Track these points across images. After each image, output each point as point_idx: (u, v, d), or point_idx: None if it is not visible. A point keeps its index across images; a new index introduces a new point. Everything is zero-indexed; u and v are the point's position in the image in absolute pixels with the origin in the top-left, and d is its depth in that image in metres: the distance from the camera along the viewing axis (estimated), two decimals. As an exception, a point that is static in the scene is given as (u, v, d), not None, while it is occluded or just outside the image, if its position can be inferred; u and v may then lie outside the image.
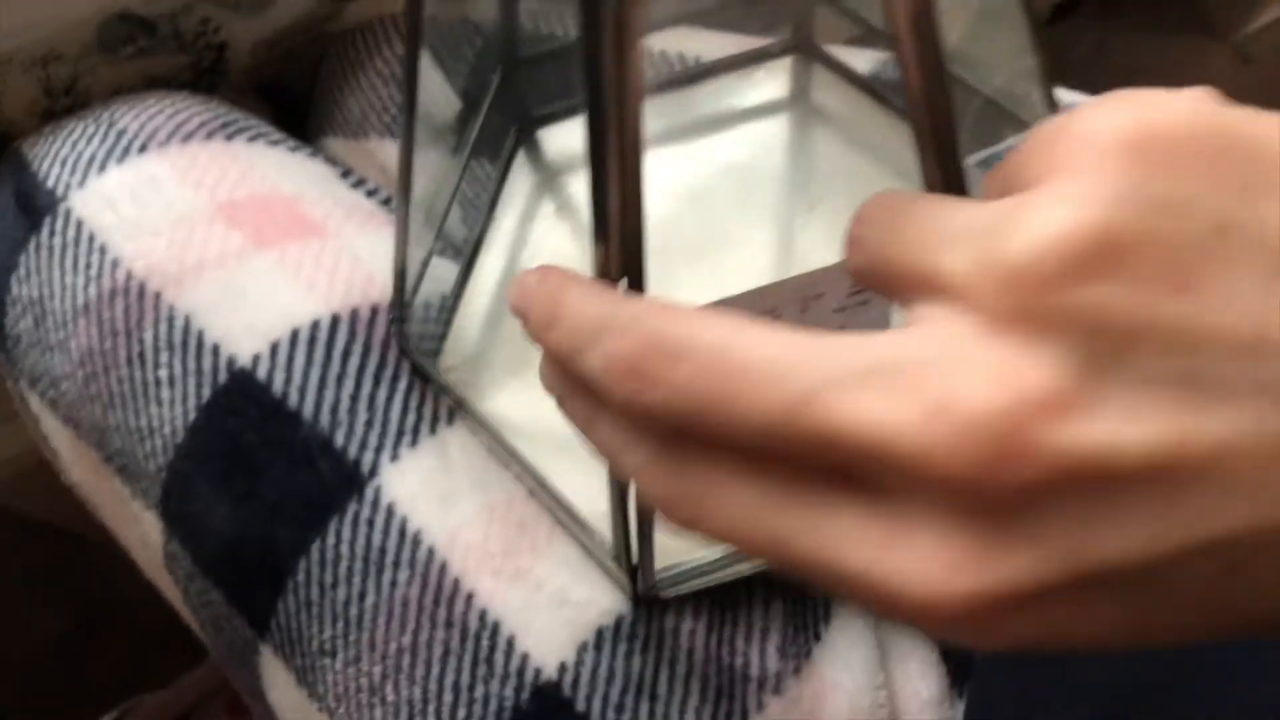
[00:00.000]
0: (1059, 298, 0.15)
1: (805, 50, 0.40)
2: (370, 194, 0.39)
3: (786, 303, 0.24)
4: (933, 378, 0.15)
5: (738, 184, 0.38)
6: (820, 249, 0.37)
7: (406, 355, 0.34)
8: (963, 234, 0.16)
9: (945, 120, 0.22)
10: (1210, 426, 0.15)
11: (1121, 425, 0.15)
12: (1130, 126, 0.16)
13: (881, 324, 0.26)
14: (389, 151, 0.43)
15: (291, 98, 0.53)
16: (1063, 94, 0.38)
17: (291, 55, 0.49)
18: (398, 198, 0.32)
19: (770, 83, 0.40)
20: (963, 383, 0.15)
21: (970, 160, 0.37)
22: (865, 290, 0.24)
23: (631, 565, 0.30)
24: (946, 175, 0.22)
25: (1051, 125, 0.17)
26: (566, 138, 0.40)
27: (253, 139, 0.38)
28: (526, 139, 0.41)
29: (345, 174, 0.40)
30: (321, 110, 0.46)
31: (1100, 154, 0.16)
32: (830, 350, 0.16)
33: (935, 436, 0.15)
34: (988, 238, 0.16)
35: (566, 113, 0.41)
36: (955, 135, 0.22)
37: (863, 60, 0.40)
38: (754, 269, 0.36)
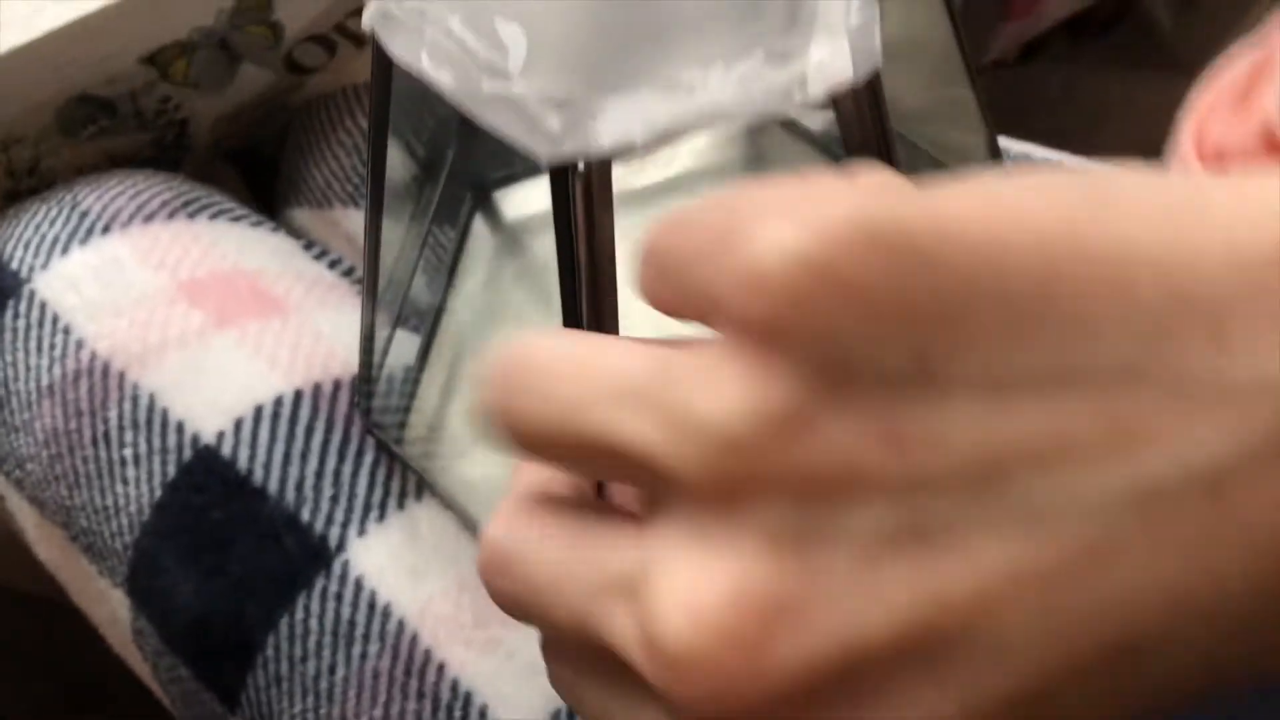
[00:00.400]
0: (755, 474, 0.13)
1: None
2: (333, 265, 0.40)
3: None
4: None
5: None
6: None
7: (371, 432, 0.34)
8: (638, 393, 0.15)
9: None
10: (955, 577, 0.13)
11: (857, 609, 0.13)
12: (801, 258, 0.13)
13: None
14: (354, 220, 0.44)
15: (261, 163, 0.54)
16: (1008, 143, 0.39)
17: (256, 126, 0.49)
18: (365, 274, 0.32)
19: (724, 143, 0.41)
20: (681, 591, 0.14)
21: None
22: None
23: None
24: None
25: (718, 229, 0.14)
26: (523, 199, 0.41)
27: (214, 216, 0.38)
28: (483, 203, 0.41)
29: (308, 246, 0.40)
30: (287, 181, 0.47)
31: (771, 307, 0.14)
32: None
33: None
34: (670, 404, 0.14)
35: (522, 174, 0.41)
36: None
37: (817, 119, 0.41)
38: (710, 333, 0.37)
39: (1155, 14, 0.78)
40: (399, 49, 0.21)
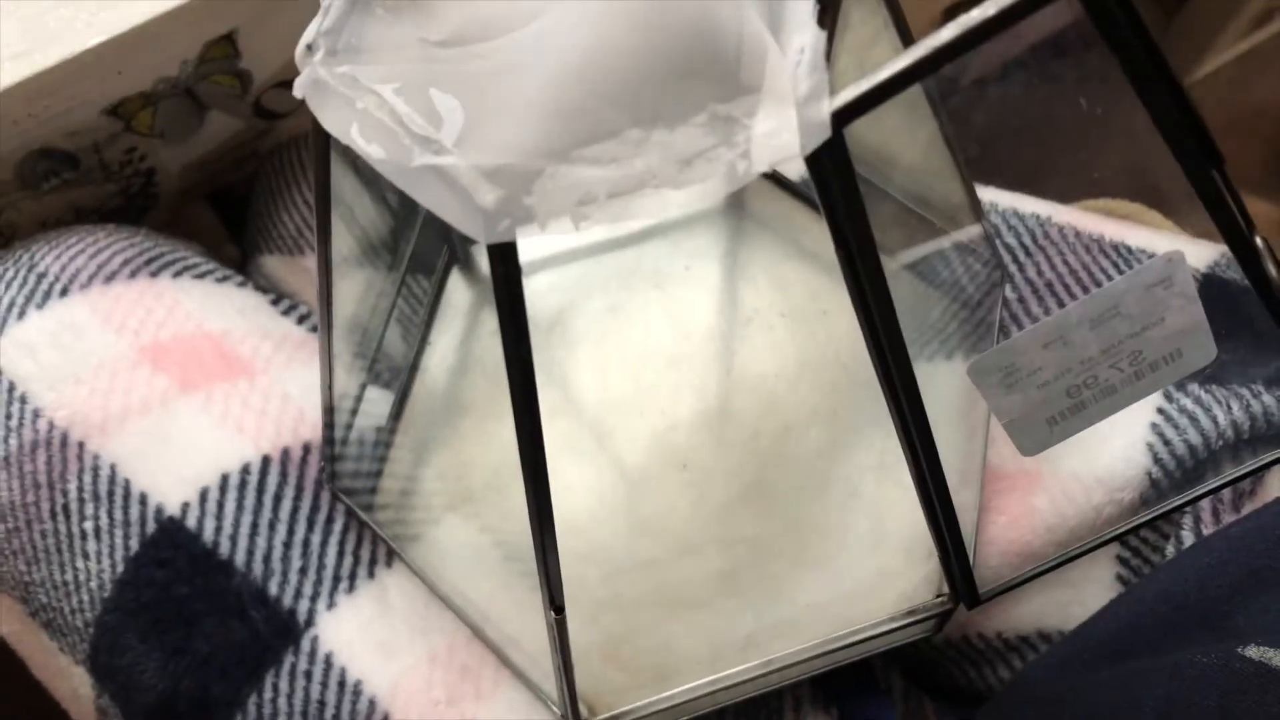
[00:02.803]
0: None
1: (737, 157, 0.40)
2: (302, 320, 0.39)
3: (1075, 325, 0.23)
4: None
5: (674, 297, 0.38)
6: (759, 362, 0.36)
7: (338, 499, 0.33)
8: None
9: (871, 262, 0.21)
10: None
11: None
12: None
13: (1179, 339, 0.24)
14: (325, 267, 0.43)
15: (239, 202, 0.52)
16: (985, 193, 0.38)
17: (225, 172, 0.48)
18: (321, 341, 0.31)
19: (705, 190, 0.40)
20: None
21: (897, 263, 0.37)
22: (1161, 307, 0.23)
23: (576, 711, 0.29)
24: (874, 288, 0.21)
25: None
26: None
27: (178, 273, 0.37)
28: (460, 256, 0.40)
29: (276, 300, 0.39)
30: (257, 227, 0.46)
31: None
32: None
33: None
34: None
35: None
36: (879, 266, 0.22)
37: (794, 165, 0.40)
38: (690, 385, 0.36)
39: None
40: (329, 119, 0.20)
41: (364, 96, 0.20)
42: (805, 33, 0.18)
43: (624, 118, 0.18)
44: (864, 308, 0.21)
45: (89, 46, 0.36)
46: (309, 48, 0.22)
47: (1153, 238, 0.38)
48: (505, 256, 0.19)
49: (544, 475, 0.22)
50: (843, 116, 0.17)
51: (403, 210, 0.40)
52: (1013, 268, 0.37)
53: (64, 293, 0.35)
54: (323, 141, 0.25)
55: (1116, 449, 0.32)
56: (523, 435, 0.21)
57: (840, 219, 0.19)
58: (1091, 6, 0.18)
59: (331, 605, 0.32)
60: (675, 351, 0.37)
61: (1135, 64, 0.20)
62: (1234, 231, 0.25)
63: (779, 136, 0.18)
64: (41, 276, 0.35)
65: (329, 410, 0.32)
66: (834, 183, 0.18)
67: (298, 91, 0.21)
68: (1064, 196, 0.46)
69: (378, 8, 0.22)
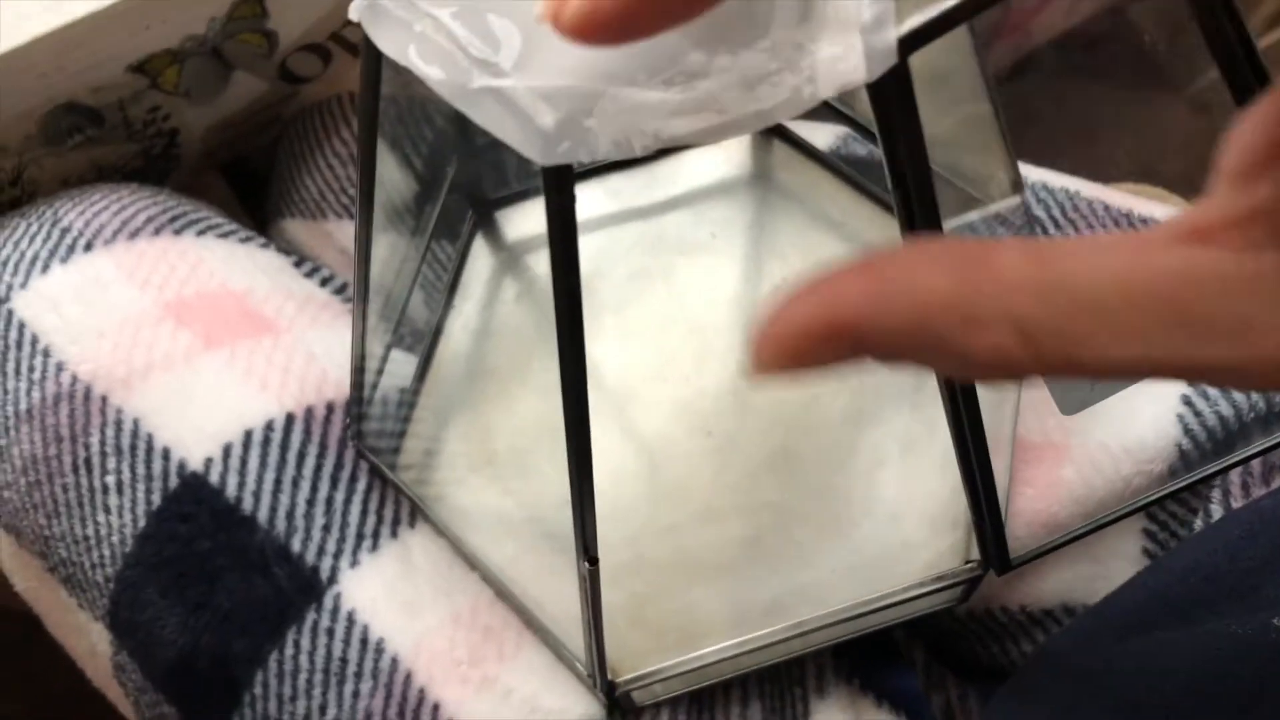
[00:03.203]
0: None
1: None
2: (325, 282, 0.39)
3: None
4: None
5: (699, 265, 0.38)
6: (786, 330, 0.36)
7: (364, 456, 0.33)
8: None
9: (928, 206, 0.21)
10: None
11: None
12: None
13: None
14: (347, 233, 0.43)
15: (253, 175, 0.52)
16: (1026, 170, 0.38)
17: (247, 136, 0.48)
18: (355, 295, 0.31)
19: (731, 159, 0.40)
20: None
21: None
22: None
23: (605, 672, 0.29)
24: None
25: None
26: (525, 219, 0.40)
27: (201, 232, 0.37)
28: (485, 221, 0.40)
29: (299, 263, 0.39)
30: (279, 191, 0.46)
31: None
32: None
33: None
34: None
35: (525, 195, 0.40)
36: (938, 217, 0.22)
37: (822, 135, 0.40)
38: (715, 353, 0.36)
39: (1145, 33, 0.78)
40: (386, 42, 0.20)
41: (421, 20, 0.20)
42: None
43: (686, 41, 0.18)
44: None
45: (116, 2, 0.35)
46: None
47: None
48: (560, 182, 0.18)
49: (585, 414, 0.22)
50: (909, 43, 0.17)
51: (429, 174, 0.40)
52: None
53: (88, 247, 0.35)
54: (373, 69, 0.25)
55: (1146, 420, 0.32)
56: (566, 365, 0.21)
57: (900, 153, 0.19)
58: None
59: (355, 563, 0.31)
60: (700, 319, 0.36)
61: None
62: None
63: (844, 61, 0.17)
64: (65, 231, 0.35)
65: (359, 368, 0.32)
66: (897, 113, 0.18)
67: (353, 14, 0.21)
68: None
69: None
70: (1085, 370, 0.15)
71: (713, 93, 0.18)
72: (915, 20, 0.17)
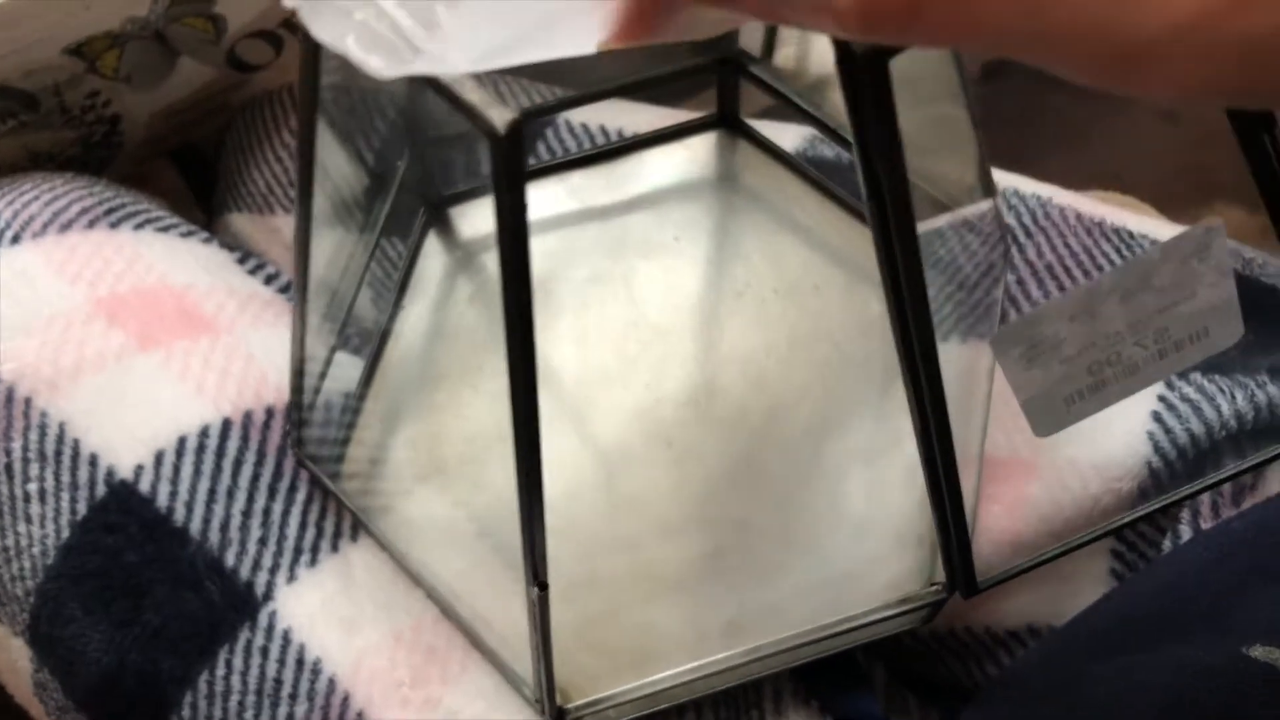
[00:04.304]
0: None
1: (730, 125, 0.39)
2: (270, 279, 0.37)
3: (1105, 296, 0.23)
4: None
5: (661, 268, 0.36)
6: (749, 337, 0.35)
7: (304, 465, 0.31)
8: None
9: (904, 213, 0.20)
10: None
11: None
12: None
13: (1208, 316, 0.23)
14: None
15: (205, 161, 0.50)
16: (999, 176, 0.37)
17: (196, 124, 0.46)
18: (295, 295, 0.29)
19: (695, 160, 0.39)
20: None
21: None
22: (1194, 281, 0.22)
23: (554, 698, 0.28)
24: (906, 257, 0.20)
25: None
26: (479, 218, 0.38)
27: (139, 225, 0.35)
28: (438, 219, 0.38)
29: (243, 258, 0.37)
30: (226, 183, 0.44)
31: None
32: None
33: None
34: None
35: (478, 192, 0.38)
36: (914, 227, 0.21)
37: (789, 137, 0.39)
38: (677, 359, 0.35)
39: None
40: (324, 30, 0.19)
41: (363, 7, 0.18)
42: None
43: None
44: (887, 252, 0.20)
45: (51, -21, 0.34)
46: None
47: (1155, 225, 0.37)
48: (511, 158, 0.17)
49: (536, 426, 0.21)
50: (886, 50, 0.16)
51: (379, 168, 0.38)
52: (1013, 249, 0.35)
53: (15, 240, 0.33)
54: (312, 67, 0.24)
55: (1117, 436, 0.31)
56: (516, 375, 0.20)
57: (876, 167, 0.18)
58: None
59: (292, 579, 0.30)
60: (661, 324, 0.35)
61: None
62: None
63: None
64: (-7, 224, 0.33)
65: (298, 371, 0.30)
66: (873, 123, 0.17)
67: (289, 2, 0.19)
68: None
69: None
70: None
71: None
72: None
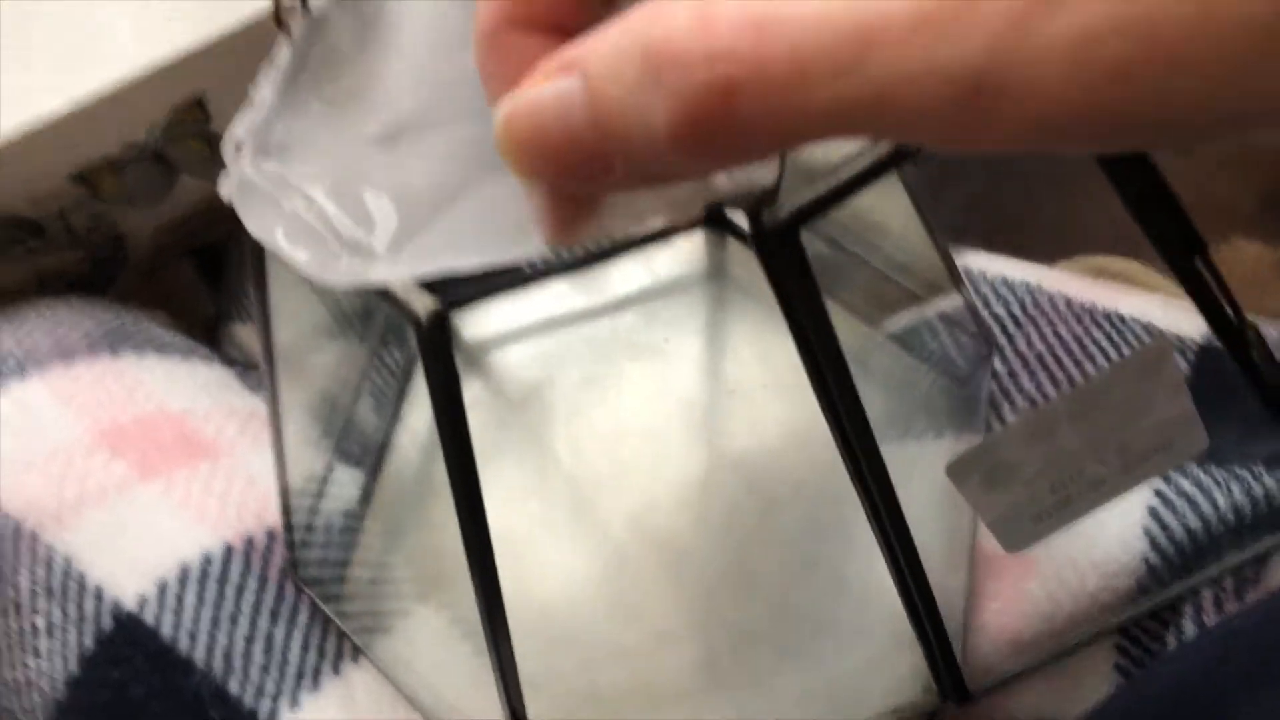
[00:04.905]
0: None
1: (716, 222, 0.39)
2: (272, 395, 0.38)
3: (1057, 420, 0.23)
4: None
5: (652, 370, 0.37)
6: (741, 436, 0.35)
7: (302, 590, 0.32)
8: None
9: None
10: None
11: None
12: None
13: (1168, 429, 0.23)
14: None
15: (218, 256, 0.51)
16: (972, 258, 0.37)
17: (199, 233, 0.47)
18: (272, 433, 0.30)
19: (684, 257, 0.39)
20: None
21: (881, 333, 0.36)
22: (1148, 399, 0.22)
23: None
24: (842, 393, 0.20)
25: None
26: (479, 322, 0.39)
27: (139, 349, 0.36)
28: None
29: (245, 373, 0.38)
30: (230, 294, 0.45)
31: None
32: None
33: None
34: None
35: (478, 296, 0.39)
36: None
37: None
38: (670, 461, 0.35)
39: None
40: (254, 222, 0.19)
41: (292, 197, 0.19)
42: None
43: None
44: (822, 388, 0.20)
45: (51, 114, 0.35)
46: (236, 146, 0.20)
47: (1147, 305, 0.36)
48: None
49: (493, 572, 0.21)
50: (798, 217, 0.16)
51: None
52: (1002, 339, 0.35)
53: (20, 372, 0.34)
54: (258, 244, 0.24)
55: (1112, 534, 0.31)
56: (467, 534, 0.20)
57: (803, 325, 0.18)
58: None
59: (295, 704, 0.30)
60: (653, 427, 0.35)
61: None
62: (1220, 320, 0.24)
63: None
64: (1, 360, 0.34)
65: (286, 508, 0.31)
66: (795, 288, 0.18)
67: (223, 192, 0.20)
68: (1053, 252, 0.44)
69: (313, 102, 0.21)
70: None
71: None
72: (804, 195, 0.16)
